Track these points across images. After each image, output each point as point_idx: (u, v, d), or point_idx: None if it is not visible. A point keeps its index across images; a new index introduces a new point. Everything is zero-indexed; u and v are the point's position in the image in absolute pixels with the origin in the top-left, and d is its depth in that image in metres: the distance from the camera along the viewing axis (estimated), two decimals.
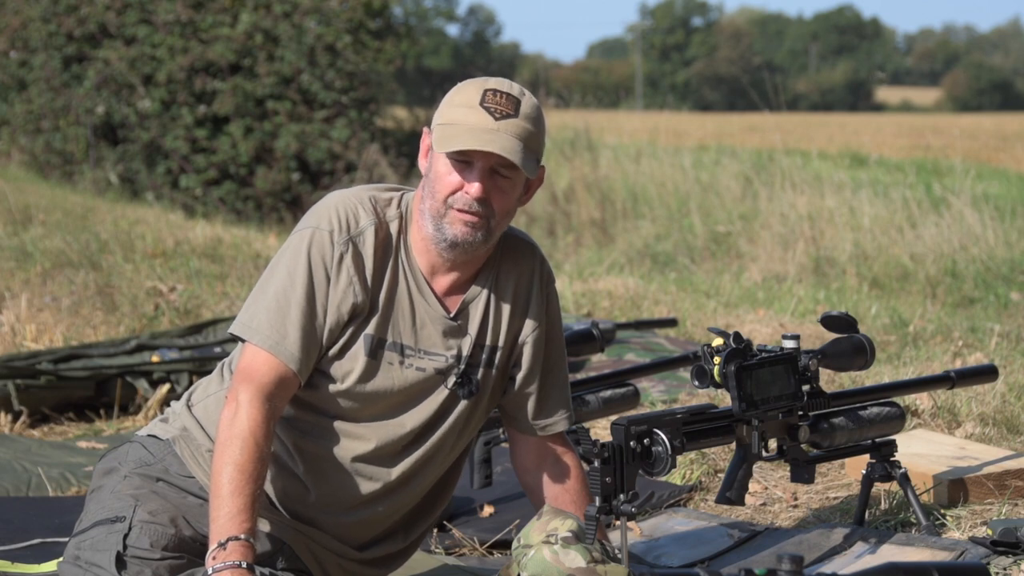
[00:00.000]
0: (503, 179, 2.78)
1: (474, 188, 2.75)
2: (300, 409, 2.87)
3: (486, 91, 2.76)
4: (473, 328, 2.90)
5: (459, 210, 2.76)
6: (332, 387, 2.83)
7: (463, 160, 2.76)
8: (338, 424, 2.87)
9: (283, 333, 2.76)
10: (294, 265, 2.80)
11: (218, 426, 2.75)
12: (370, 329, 2.83)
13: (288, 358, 2.76)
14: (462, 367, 2.89)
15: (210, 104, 16.96)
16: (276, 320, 2.77)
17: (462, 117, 2.75)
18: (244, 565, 2.60)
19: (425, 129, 2.84)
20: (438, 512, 3.07)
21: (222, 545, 2.62)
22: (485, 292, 2.91)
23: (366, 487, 2.89)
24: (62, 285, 7.65)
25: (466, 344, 2.89)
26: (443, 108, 2.80)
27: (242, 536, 2.63)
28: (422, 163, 2.85)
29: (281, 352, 2.75)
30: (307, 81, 17.02)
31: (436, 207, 2.78)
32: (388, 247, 2.84)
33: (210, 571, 2.61)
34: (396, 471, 2.89)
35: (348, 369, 2.83)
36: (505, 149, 2.71)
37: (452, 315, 2.88)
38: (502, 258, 2.94)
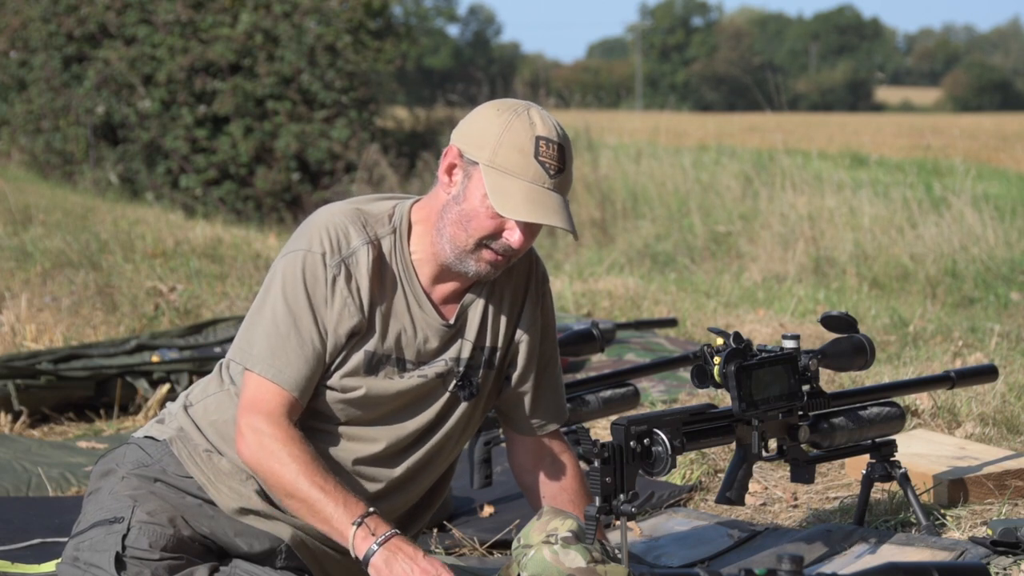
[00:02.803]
0: (538, 227, 2.79)
1: (516, 239, 2.75)
2: (301, 416, 2.87)
3: (538, 140, 2.72)
4: (471, 332, 2.90)
5: (492, 249, 2.76)
6: (333, 397, 2.84)
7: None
8: (339, 428, 2.87)
9: (285, 361, 2.76)
10: (290, 290, 2.79)
11: (251, 465, 2.77)
12: (369, 346, 2.82)
13: (292, 386, 2.77)
14: (462, 370, 2.90)
15: (210, 104, 16.96)
16: (277, 348, 2.77)
17: (516, 167, 2.71)
18: (398, 532, 2.68)
19: (454, 148, 2.77)
20: (435, 509, 3.08)
21: (360, 524, 2.66)
22: (482, 295, 2.91)
23: (367, 488, 2.89)
24: (62, 285, 7.65)
25: (465, 348, 2.90)
26: (488, 137, 2.74)
27: (371, 510, 2.70)
28: (444, 179, 2.80)
29: (285, 380, 2.76)
30: (307, 81, 17.02)
31: (466, 242, 2.76)
32: (382, 265, 2.82)
33: (374, 546, 2.64)
34: (397, 472, 2.90)
35: (348, 383, 2.83)
36: (565, 220, 2.72)
37: (451, 322, 2.88)
38: None
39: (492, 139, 2.73)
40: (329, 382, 2.83)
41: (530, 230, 2.77)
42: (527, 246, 2.79)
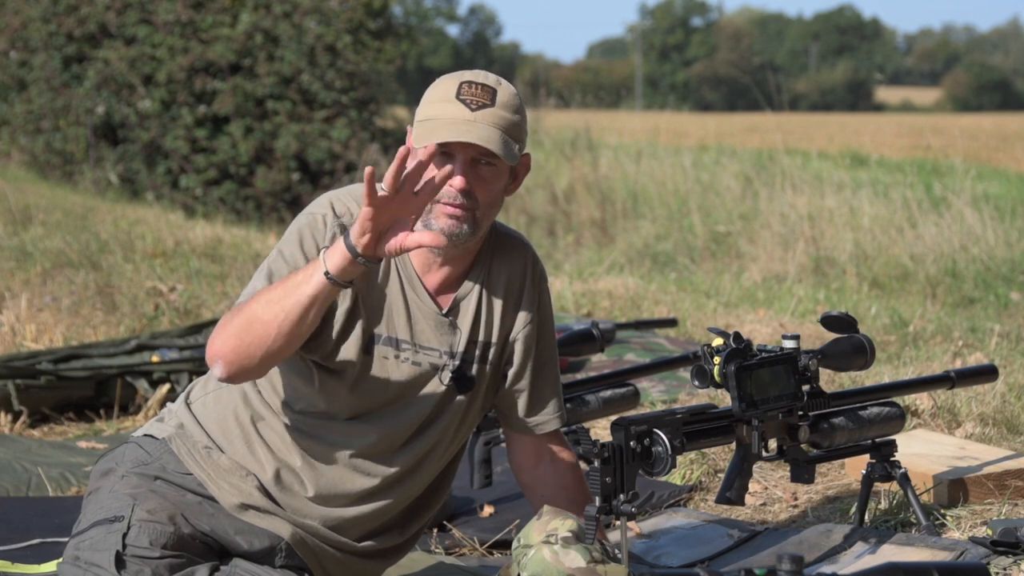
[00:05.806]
0: (485, 168, 2.79)
1: (457, 181, 2.75)
2: (299, 406, 2.88)
3: (461, 84, 2.78)
4: (466, 324, 2.91)
5: (444, 203, 2.77)
6: (330, 383, 2.84)
7: (445, 153, 2.77)
8: (336, 422, 2.87)
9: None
10: (287, 245, 2.84)
11: (227, 354, 2.70)
12: (364, 322, 2.84)
13: None
14: (456, 362, 2.90)
15: (210, 104, 16.95)
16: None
17: (439, 111, 2.77)
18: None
19: (408, 128, 2.85)
20: (435, 508, 3.08)
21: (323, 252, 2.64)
22: (477, 289, 2.92)
23: (364, 483, 2.89)
24: (62, 285, 7.65)
25: (460, 340, 2.90)
26: (421, 105, 2.82)
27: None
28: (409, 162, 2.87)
29: None
30: (307, 81, 17.01)
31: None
32: None
33: (347, 241, 2.58)
34: (394, 467, 2.90)
35: (343, 366, 2.84)
36: (483, 139, 2.73)
37: (444, 312, 2.89)
38: (494, 255, 2.95)
39: (424, 101, 2.82)
40: (328, 366, 2.83)
41: (475, 173, 2.77)
42: (468, 186, 2.76)
